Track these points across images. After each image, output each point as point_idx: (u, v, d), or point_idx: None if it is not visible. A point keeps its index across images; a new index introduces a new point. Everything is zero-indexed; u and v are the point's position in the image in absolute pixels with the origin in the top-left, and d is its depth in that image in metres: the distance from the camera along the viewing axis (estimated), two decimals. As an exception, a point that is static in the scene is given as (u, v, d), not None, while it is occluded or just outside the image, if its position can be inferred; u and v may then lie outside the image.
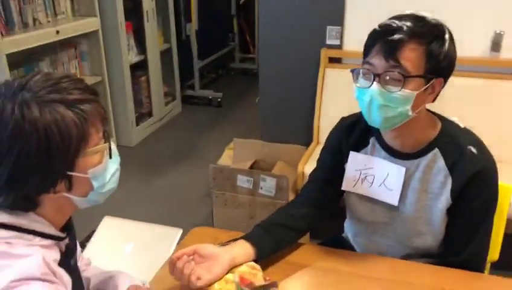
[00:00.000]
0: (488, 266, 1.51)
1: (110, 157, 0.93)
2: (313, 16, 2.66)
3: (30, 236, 0.88)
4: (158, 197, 3.09)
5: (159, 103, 4.23)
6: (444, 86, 1.16)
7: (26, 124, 0.81)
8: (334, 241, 1.45)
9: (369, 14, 2.50)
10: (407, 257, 1.30)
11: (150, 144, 3.95)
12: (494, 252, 1.48)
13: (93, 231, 1.89)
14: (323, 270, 1.20)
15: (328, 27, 2.64)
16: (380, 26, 1.11)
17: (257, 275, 1.11)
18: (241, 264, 1.13)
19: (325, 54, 2.68)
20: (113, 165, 0.95)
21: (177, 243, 1.76)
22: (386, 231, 1.32)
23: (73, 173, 0.87)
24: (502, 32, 2.40)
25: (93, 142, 0.88)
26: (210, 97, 4.80)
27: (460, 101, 2.12)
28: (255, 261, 1.16)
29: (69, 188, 0.89)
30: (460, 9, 2.42)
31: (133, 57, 3.86)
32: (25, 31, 2.90)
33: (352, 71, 1.17)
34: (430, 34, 1.08)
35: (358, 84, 1.15)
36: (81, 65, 3.54)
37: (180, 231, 1.81)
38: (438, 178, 1.20)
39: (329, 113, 2.67)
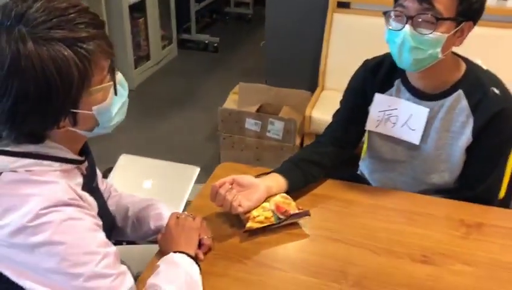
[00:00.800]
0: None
1: (116, 94, 0.91)
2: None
3: (49, 162, 0.87)
4: (162, 139, 3.13)
5: (156, 46, 4.18)
6: (472, 29, 1.19)
7: (22, 61, 0.77)
8: (351, 178, 1.52)
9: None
10: (423, 192, 1.37)
11: (149, 88, 3.93)
12: (502, 190, 1.57)
13: (111, 168, 1.92)
14: (349, 202, 1.28)
15: (337, -29, 2.62)
16: None
17: (291, 204, 1.17)
18: (275, 195, 1.20)
19: (333, -2, 2.67)
20: (119, 100, 0.93)
21: (195, 181, 1.82)
22: (404, 169, 1.39)
23: (77, 111, 0.85)
24: (510, -19, 2.42)
25: (97, 81, 0.86)
26: (206, 42, 4.74)
27: (467, 51, 2.17)
28: (287, 193, 1.23)
29: (74, 124, 0.87)
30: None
31: (132, -3, 3.76)
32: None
33: (385, 13, 1.19)
34: None
35: (390, 27, 1.17)
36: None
37: (197, 169, 1.86)
38: (460, 118, 1.26)
39: (335, 59, 2.69)
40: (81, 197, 0.89)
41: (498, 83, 1.25)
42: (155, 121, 3.34)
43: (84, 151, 0.98)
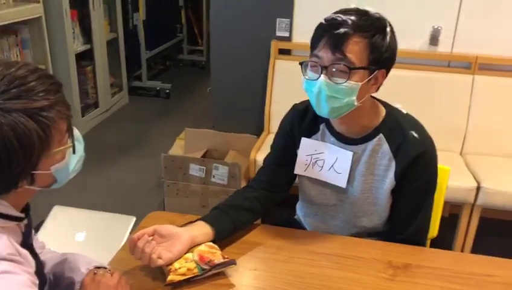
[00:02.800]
0: (428, 242, 1.63)
1: (74, 152, 0.93)
2: (264, 7, 2.72)
3: None
4: (108, 188, 3.05)
5: (105, 93, 4.15)
6: (386, 77, 1.24)
7: None
8: (286, 223, 1.52)
9: (317, 8, 2.59)
10: (355, 235, 1.38)
11: (97, 135, 3.86)
12: (433, 229, 1.59)
13: (43, 221, 1.85)
14: (277, 248, 1.26)
15: (278, 19, 2.71)
16: (326, 20, 1.17)
17: (216, 253, 1.14)
18: (200, 244, 1.17)
19: (275, 45, 2.74)
20: (77, 156, 0.95)
21: (131, 231, 1.76)
22: (335, 212, 1.40)
23: (35, 172, 0.86)
24: (439, 27, 2.56)
25: (56, 143, 0.87)
26: (158, 88, 4.75)
27: (400, 92, 2.26)
28: (213, 241, 1.20)
29: (31, 183, 0.88)
30: (401, 5, 2.55)
31: (79, 46, 3.75)
32: (-38, 16, 2.76)
33: (301, 64, 1.22)
34: (372, 28, 1.14)
35: (307, 76, 1.20)
36: (23, 53, 3.40)
37: (133, 219, 1.81)
38: (383, 161, 1.28)
39: (279, 103, 2.74)
40: (20, 254, 0.87)
41: (417, 127, 1.29)
42: (100, 169, 3.27)
43: (25, 207, 0.96)
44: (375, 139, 1.28)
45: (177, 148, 2.81)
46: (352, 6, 1.20)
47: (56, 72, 3.55)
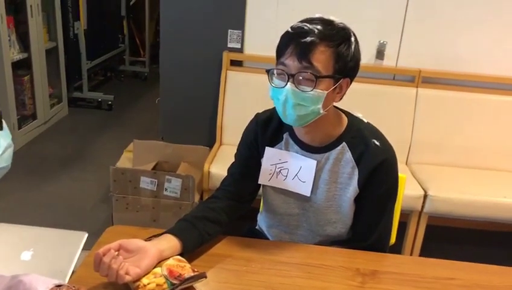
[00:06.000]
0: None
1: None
2: (216, 18, 2.71)
3: None
4: (50, 203, 2.87)
5: (43, 104, 3.94)
6: (349, 86, 1.26)
7: None
8: (249, 234, 1.49)
9: (267, 20, 2.61)
10: (319, 244, 1.37)
11: (35, 148, 3.65)
12: (392, 236, 1.64)
13: (-18, 240, 1.70)
14: (246, 260, 1.23)
15: (229, 30, 2.70)
16: (292, 28, 1.17)
17: (185, 267, 1.10)
18: (168, 258, 1.11)
19: (226, 56, 2.73)
20: (2, 142, 0.89)
21: (83, 248, 1.66)
22: (299, 222, 1.39)
23: None
24: (385, 42, 2.67)
25: None
26: (100, 100, 4.59)
27: (349, 104, 2.33)
28: (181, 254, 1.15)
29: None
30: (348, 19, 2.63)
31: (15, 54, 3.55)
32: None
33: (268, 71, 1.21)
34: (338, 37, 1.16)
35: (273, 84, 1.20)
36: (-46, 60, 3.17)
37: (85, 235, 1.70)
38: (345, 169, 1.30)
39: (231, 115, 2.72)
40: None
41: (378, 135, 1.32)
42: (40, 184, 3.08)
43: None
44: (339, 148, 1.30)
45: (124, 161, 2.70)
46: (317, 16, 1.22)
47: (-10, 81, 3.33)
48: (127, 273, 1.02)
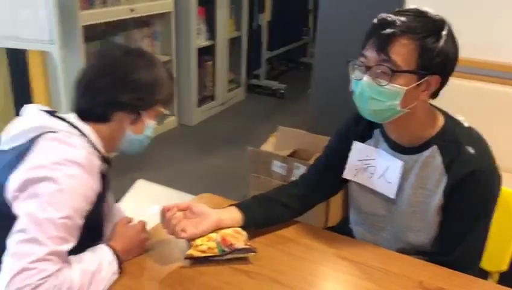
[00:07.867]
0: (496, 276, 1.47)
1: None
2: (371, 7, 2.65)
3: (86, 139, 1.11)
4: (203, 174, 3.25)
5: (222, 88, 4.40)
6: (444, 84, 1.15)
7: None
8: (338, 229, 1.49)
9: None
10: (401, 251, 1.30)
11: (208, 126, 4.13)
12: (502, 262, 1.44)
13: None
14: (307, 247, 1.25)
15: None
16: (377, 19, 1.13)
17: (239, 238, 1.18)
18: (227, 228, 1.22)
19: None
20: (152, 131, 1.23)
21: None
22: (384, 224, 1.34)
23: (143, 112, 1.18)
24: None
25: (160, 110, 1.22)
26: (274, 88, 4.89)
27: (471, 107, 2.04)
28: (242, 228, 1.24)
29: (132, 122, 1.17)
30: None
31: (202, 41, 4.04)
32: (102, 7, 3.17)
33: (348, 62, 1.20)
34: (424, 30, 1.08)
35: (353, 76, 1.18)
36: (153, 44, 3.79)
37: (202, 201, 1.91)
38: (434, 175, 1.20)
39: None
40: (92, 173, 1.09)
41: (476, 142, 1.18)
42: (202, 157, 3.49)
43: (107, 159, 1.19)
44: (428, 151, 1.21)
45: (269, 145, 2.88)
46: (412, 6, 1.15)
47: (179, 64, 3.88)
48: (183, 231, 1.16)
